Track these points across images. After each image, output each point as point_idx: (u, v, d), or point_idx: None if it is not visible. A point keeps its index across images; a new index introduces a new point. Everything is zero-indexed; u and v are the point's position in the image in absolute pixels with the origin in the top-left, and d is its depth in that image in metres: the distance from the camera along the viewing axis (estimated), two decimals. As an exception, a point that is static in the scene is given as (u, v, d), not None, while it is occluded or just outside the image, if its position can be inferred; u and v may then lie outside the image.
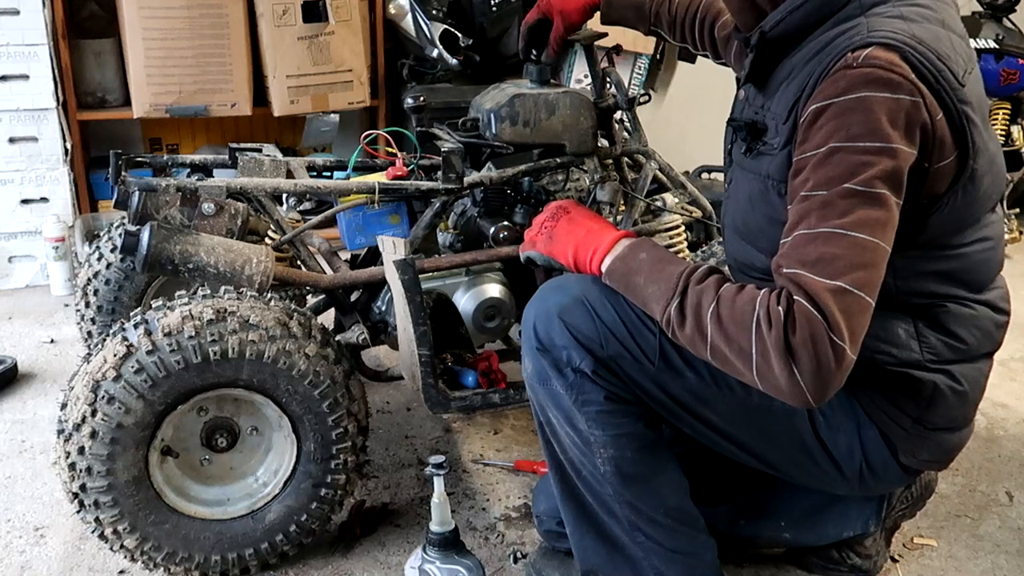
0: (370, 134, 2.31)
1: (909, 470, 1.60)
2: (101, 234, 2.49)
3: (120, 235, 2.32)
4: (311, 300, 2.35)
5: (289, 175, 2.19)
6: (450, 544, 1.69)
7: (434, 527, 1.68)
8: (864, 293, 1.26)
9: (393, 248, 1.89)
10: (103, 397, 1.65)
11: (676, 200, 2.29)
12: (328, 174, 2.35)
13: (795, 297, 1.26)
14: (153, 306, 1.76)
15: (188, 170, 2.34)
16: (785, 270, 1.29)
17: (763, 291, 1.30)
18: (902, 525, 1.94)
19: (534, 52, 2.15)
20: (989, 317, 1.54)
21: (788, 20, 1.44)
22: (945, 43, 1.37)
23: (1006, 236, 3.84)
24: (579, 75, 3.74)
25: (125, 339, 1.68)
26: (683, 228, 2.29)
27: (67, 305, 3.20)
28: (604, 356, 1.51)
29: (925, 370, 1.50)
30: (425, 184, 2.04)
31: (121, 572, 1.88)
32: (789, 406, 1.49)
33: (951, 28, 1.41)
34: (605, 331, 1.50)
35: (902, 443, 1.55)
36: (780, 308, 1.26)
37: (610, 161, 2.27)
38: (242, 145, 2.29)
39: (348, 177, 2.24)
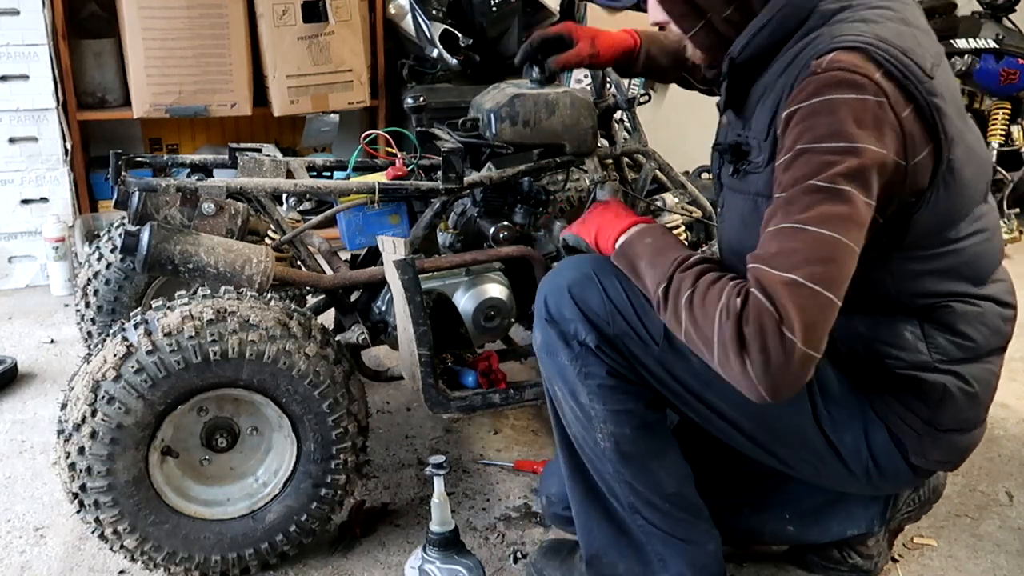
0: (370, 134, 2.31)
1: (919, 471, 1.60)
2: (101, 234, 2.49)
3: (120, 235, 2.32)
4: (311, 300, 2.35)
5: (289, 175, 2.19)
6: (450, 544, 1.69)
7: (434, 527, 1.68)
8: (821, 287, 1.26)
9: (393, 248, 1.89)
10: (103, 397, 1.65)
11: (676, 200, 2.29)
12: (328, 174, 2.35)
13: (751, 290, 1.28)
14: (153, 306, 1.76)
15: (188, 170, 2.34)
16: (749, 265, 1.32)
17: (732, 283, 1.32)
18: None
19: (536, 65, 2.05)
20: (995, 312, 1.54)
21: (754, 43, 1.46)
22: (909, 39, 1.38)
23: (1006, 236, 3.85)
24: (579, 75, 3.74)
25: (125, 339, 1.68)
26: (683, 228, 2.29)
27: (67, 305, 3.20)
28: (610, 333, 1.53)
29: (934, 371, 1.50)
30: (425, 184, 2.04)
31: (121, 572, 1.88)
32: (791, 400, 1.50)
33: (914, 25, 1.42)
34: (613, 309, 1.53)
35: (912, 444, 1.55)
36: (738, 300, 1.28)
37: (610, 161, 2.27)
38: (242, 145, 2.29)
39: (348, 177, 2.24)
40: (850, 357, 1.52)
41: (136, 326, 1.70)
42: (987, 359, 1.56)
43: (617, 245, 1.54)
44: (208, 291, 1.79)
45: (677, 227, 2.26)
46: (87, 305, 2.44)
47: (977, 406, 1.57)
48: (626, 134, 2.32)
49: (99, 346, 1.75)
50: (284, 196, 2.25)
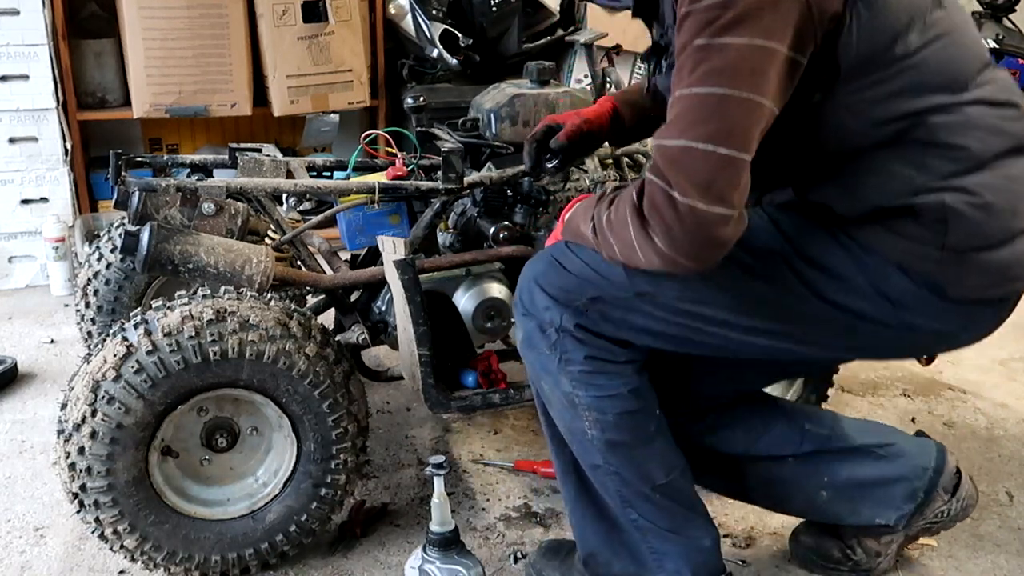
0: (370, 134, 2.31)
1: (968, 303, 1.47)
2: (101, 234, 2.49)
3: (120, 235, 2.32)
4: (311, 300, 2.35)
5: (289, 175, 2.19)
6: (450, 544, 1.69)
7: (434, 527, 1.68)
8: (713, 145, 1.26)
9: (393, 248, 1.89)
10: (103, 397, 1.65)
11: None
12: (328, 174, 2.35)
13: (646, 175, 1.30)
14: (153, 306, 1.76)
15: (188, 170, 2.35)
16: (650, 146, 1.35)
17: (635, 183, 1.35)
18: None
19: (547, 162, 1.90)
20: (988, 114, 1.42)
21: None
22: None
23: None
24: (579, 75, 3.74)
25: (125, 339, 1.68)
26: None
27: (67, 305, 3.20)
28: (582, 304, 1.53)
29: (928, 192, 1.39)
30: (425, 184, 2.04)
31: (121, 572, 1.88)
32: (780, 282, 1.48)
33: None
34: (575, 280, 1.54)
35: (941, 276, 1.43)
36: (633, 192, 1.31)
37: (610, 161, 2.27)
38: (242, 145, 2.29)
39: (348, 177, 2.24)
40: (849, 215, 1.45)
41: (136, 326, 1.70)
42: (993, 164, 1.41)
43: (563, 233, 1.59)
44: (208, 291, 1.79)
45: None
46: (87, 305, 2.44)
47: (998, 216, 1.41)
48: (626, 134, 2.31)
49: (99, 346, 1.75)
50: (284, 196, 2.25)
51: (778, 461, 1.78)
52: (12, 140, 3.30)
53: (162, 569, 1.80)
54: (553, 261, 1.58)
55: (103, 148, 3.66)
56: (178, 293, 1.80)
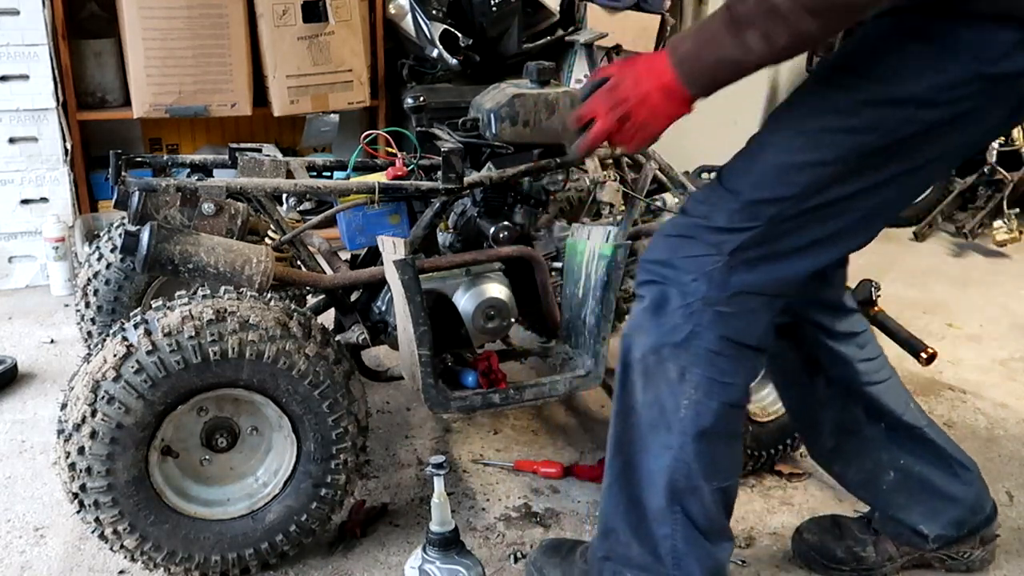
0: (370, 134, 2.31)
1: None
2: (101, 234, 2.49)
3: (120, 235, 2.32)
4: (311, 300, 2.35)
5: (289, 175, 2.19)
6: (450, 544, 1.69)
7: (434, 527, 1.68)
8: None
9: (393, 248, 1.89)
10: (103, 397, 1.65)
11: (676, 200, 2.29)
12: (328, 174, 2.35)
13: None
14: (153, 306, 1.76)
15: (188, 170, 2.35)
16: None
17: None
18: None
19: None
20: None
21: None
22: None
23: (1005, 236, 3.84)
24: (579, 75, 3.74)
25: (125, 339, 1.68)
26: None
27: (67, 305, 3.20)
28: (726, 264, 1.48)
29: None
30: (425, 184, 2.04)
31: (121, 572, 1.88)
32: (884, 119, 1.43)
33: None
34: (707, 243, 1.49)
35: None
36: None
37: (610, 161, 2.27)
38: (242, 145, 2.29)
39: (348, 177, 2.24)
40: None
41: (136, 326, 1.70)
42: None
43: (676, 66, 1.43)
44: (208, 291, 1.79)
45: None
46: (87, 305, 2.44)
47: None
48: (626, 134, 2.32)
49: (99, 346, 1.75)
50: (284, 196, 2.25)
51: (872, 417, 1.78)
52: (12, 140, 3.31)
53: (162, 569, 1.80)
54: (678, 235, 1.53)
55: (103, 148, 3.66)
56: (178, 293, 1.80)
